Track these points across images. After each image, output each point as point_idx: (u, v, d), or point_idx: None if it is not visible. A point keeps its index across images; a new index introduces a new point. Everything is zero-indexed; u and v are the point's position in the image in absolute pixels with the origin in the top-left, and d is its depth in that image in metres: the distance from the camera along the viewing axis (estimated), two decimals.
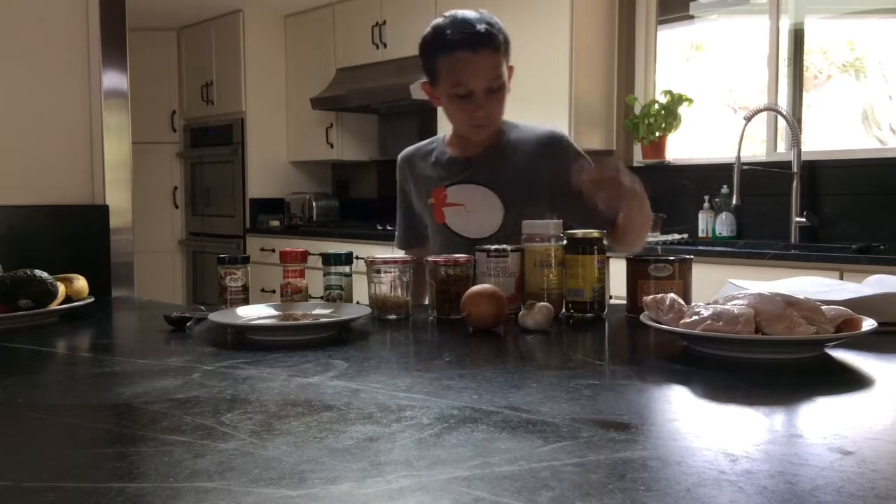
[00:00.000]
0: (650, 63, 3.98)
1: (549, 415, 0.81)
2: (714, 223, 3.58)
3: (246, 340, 1.28)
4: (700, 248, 3.16)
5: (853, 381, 1.01)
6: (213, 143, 5.46)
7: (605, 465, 0.66)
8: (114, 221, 2.00)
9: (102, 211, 1.99)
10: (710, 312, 1.09)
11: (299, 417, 0.81)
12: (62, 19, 1.98)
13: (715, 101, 4.03)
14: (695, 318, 1.10)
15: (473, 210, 1.81)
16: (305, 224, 5.11)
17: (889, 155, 3.27)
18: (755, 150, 3.75)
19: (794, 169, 3.34)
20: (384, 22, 4.62)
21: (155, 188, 5.59)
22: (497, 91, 1.71)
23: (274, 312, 1.39)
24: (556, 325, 1.38)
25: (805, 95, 3.62)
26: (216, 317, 1.35)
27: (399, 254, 1.61)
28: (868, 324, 1.10)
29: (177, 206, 5.73)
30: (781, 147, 3.60)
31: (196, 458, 0.69)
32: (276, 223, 5.17)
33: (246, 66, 5.23)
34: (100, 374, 1.09)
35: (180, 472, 0.65)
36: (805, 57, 3.62)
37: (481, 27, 1.66)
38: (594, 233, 1.48)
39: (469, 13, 1.70)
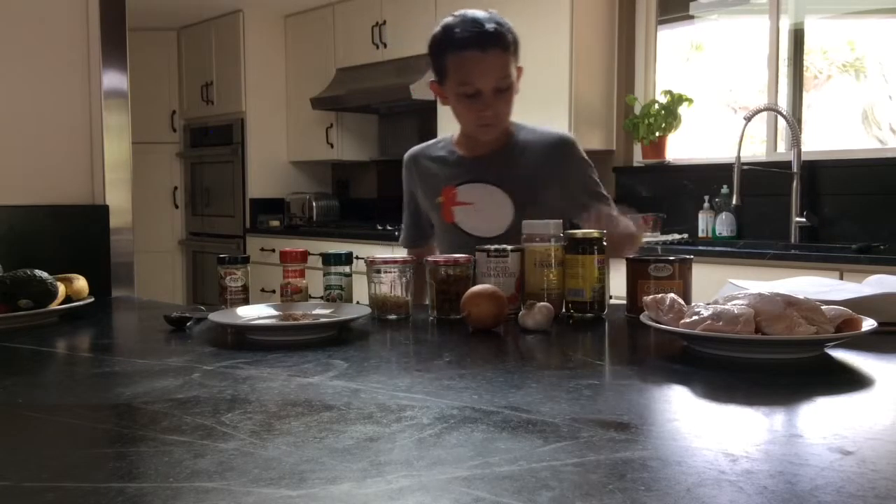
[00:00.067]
0: (650, 63, 3.98)
1: (549, 415, 0.81)
2: (714, 223, 3.58)
3: (246, 340, 1.28)
4: (700, 248, 3.16)
5: (853, 381, 1.01)
6: (213, 143, 5.46)
7: (605, 465, 0.66)
8: (114, 221, 2.00)
9: (102, 211, 1.99)
10: (710, 312, 1.09)
11: (299, 417, 0.81)
12: (62, 19, 1.98)
13: (715, 101, 4.03)
14: (695, 318, 1.10)
15: (483, 209, 1.81)
16: (305, 224, 5.11)
17: (889, 155, 3.27)
18: (755, 150, 3.75)
19: (794, 169, 3.33)
20: (384, 22, 4.62)
21: (155, 188, 5.59)
22: (505, 91, 1.72)
23: (274, 312, 1.39)
24: (556, 325, 1.38)
25: (805, 95, 3.62)
26: (216, 317, 1.35)
27: (399, 254, 1.61)
28: (868, 324, 1.10)
29: (177, 206, 5.73)
30: (781, 147, 3.60)
31: (196, 458, 0.69)
32: (276, 223, 5.17)
33: (246, 66, 5.23)
34: (100, 374, 1.09)
35: (180, 472, 0.65)
36: (805, 57, 3.62)
37: (491, 26, 1.67)
38: (594, 233, 1.48)
39: (479, 13, 1.70)
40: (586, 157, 1.87)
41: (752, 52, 3.77)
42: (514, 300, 1.45)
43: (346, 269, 1.61)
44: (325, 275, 1.60)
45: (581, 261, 1.45)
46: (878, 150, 3.47)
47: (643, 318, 1.21)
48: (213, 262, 1.64)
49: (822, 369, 1.05)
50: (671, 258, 1.42)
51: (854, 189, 3.27)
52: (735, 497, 0.59)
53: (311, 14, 5.15)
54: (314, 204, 5.19)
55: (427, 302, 1.52)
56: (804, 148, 3.41)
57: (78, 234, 1.95)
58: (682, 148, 3.89)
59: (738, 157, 3.31)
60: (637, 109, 3.88)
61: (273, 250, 4.75)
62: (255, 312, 1.39)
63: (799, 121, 3.52)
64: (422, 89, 4.25)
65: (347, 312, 1.38)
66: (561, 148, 1.83)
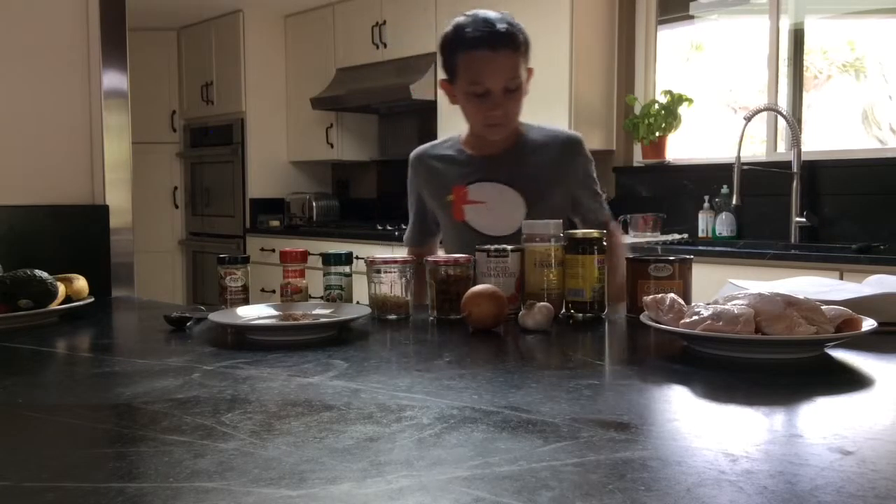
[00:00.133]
0: (650, 63, 3.98)
1: (549, 415, 0.81)
2: (714, 223, 3.58)
3: (246, 340, 1.28)
4: (700, 248, 3.16)
5: (853, 381, 1.01)
6: (213, 143, 5.46)
7: (605, 465, 0.66)
8: (114, 221, 2.00)
9: (102, 211, 1.99)
10: (710, 312, 1.09)
11: (299, 417, 0.81)
12: (62, 19, 1.98)
13: (715, 101, 4.03)
14: (695, 318, 1.10)
15: (495, 208, 1.82)
16: (305, 224, 5.11)
17: (889, 155, 3.27)
18: (755, 150, 3.75)
19: (794, 169, 3.33)
20: (384, 22, 4.62)
21: (155, 188, 5.59)
22: (514, 91, 1.72)
23: (274, 312, 1.39)
24: (556, 325, 1.38)
25: (805, 95, 3.62)
26: (216, 317, 1.35)
27: (399, 254, 1.61)
28: (868, 324, 1.10)
29: (177, 206, 5.73)
30: (781, 147, 3.60)
31: (196, 458, 0.69)
32: (276, 223, 5.17)
33: (246, 66, 5.23)
34: (100, 374, 1.09)
35: (180, 472, 0.65)
36: (805, 57, 3.62)
37: (502, 27, 1.67)
38: (594, 233, 1.48)
39: (491, 13, 1.71)
40: (590, 156, 1.90)
41: (751, 52, 3.77)
42: (514, 300, 1.45)
43: (346, 269, 1.61)
44: (325, 275, 1.60)
45: (581, 261, 1.45)
46: (878, 150, 3.47)
47: (643, 318, 1.21)
48: (213, 262, 1.64)
49: (822, 369, 1.05)
50: (671, 258, 1.42)
51: (854, 189, 3.27)
52: (735, 497, 0.59)
53: (311, 14, 5.15)
54: (314, 204, 5.19)
55: (427, 302, 1.52)
56: (804, 148, 3.41)
57: (78, 234, 1.95)
58: (682, 148, 3.89)
59: (738, 157, 3.31)
60: (637, 109, 3.88)
61: (273, 250, 4.75)
62: (255, 312, 1.39)
63: (799, 121, 3.52)
64: (422, 89, 4.25)
65: (347, 312, 1.38)
66: (571, 147, 1.86)
